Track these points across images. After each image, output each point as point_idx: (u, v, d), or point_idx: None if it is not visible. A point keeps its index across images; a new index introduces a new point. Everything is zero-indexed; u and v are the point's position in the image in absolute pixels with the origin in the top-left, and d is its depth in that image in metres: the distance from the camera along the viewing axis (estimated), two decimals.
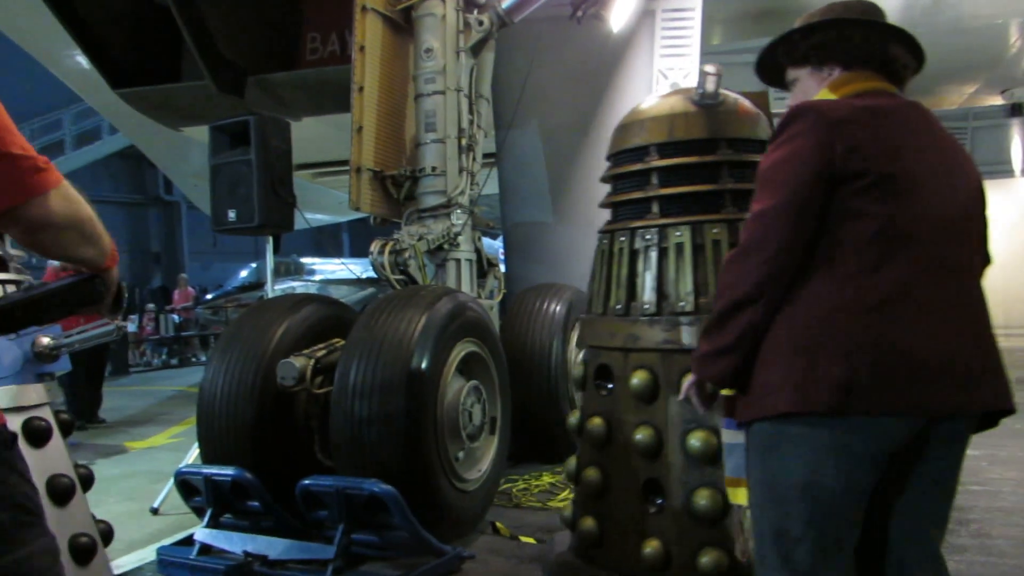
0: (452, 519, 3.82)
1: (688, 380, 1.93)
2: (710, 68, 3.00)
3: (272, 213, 4.99)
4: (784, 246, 1.68)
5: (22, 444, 1.82)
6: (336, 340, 4.15)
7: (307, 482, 3.58)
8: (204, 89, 6.34)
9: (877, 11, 1.89)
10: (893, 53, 1.85)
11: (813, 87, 1.90)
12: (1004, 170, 12.19)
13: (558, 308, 5.56)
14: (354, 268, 17.08)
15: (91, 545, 1.92)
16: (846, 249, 1.67)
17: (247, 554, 3.66)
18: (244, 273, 18.79)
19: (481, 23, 5.31)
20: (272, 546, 3.66)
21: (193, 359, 16.99)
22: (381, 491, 3.42)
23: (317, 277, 18.08)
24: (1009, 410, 1.76)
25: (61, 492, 1.90)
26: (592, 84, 6.93)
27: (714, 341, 1.77)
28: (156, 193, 26.48)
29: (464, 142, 5.25)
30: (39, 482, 1.78)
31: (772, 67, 2.02)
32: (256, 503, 3.77)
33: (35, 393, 1.96)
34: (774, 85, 2.06)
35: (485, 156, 5.74)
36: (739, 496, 1.97)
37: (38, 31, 7.76)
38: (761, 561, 1.78)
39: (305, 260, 19.06)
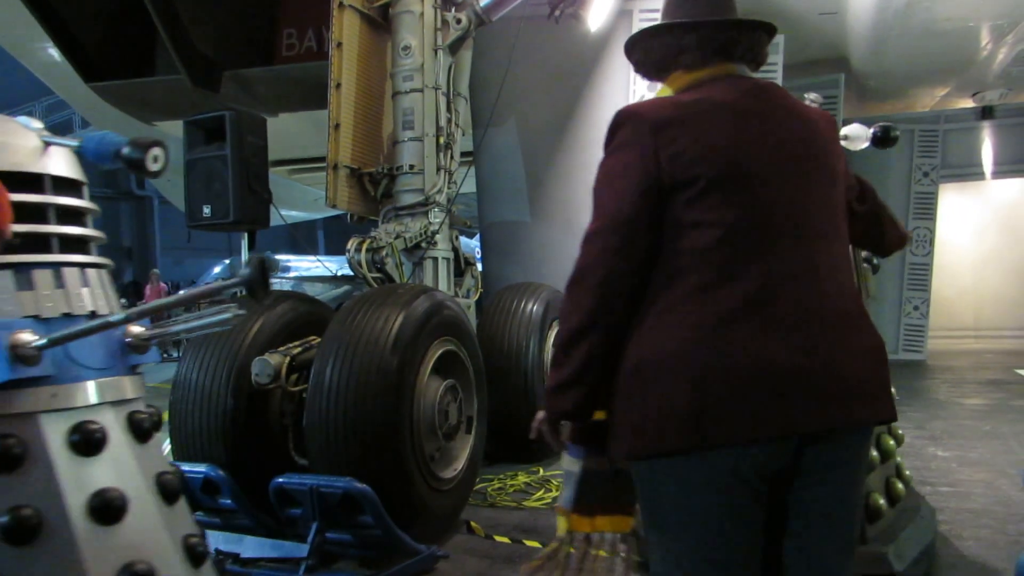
0: (427, 518, 3.82)
1: (539, 415, 1.75)
2: (812, 96, 2.92)
3: (247, 209, 4.95)
4: (613, 270, 1.55)
5: (127, 440, 1.77)
6: (312, 338, 4.12)
7: (280, 480, 3.56)
8: (178, 83, 6.29)
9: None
10: (717, 41, 1.67)
11: (654, 89, 1.79)
12: (975, 172, 12.36)
13: (535, 308, 5.57)
14: (329, 265, 16.98)
15: (204, 548, 1.81)
16: (686, 262, 1.53)
17: (219, 552, 3.63)
18: (217, 269, 18.64)
19: (459, 21, 5.31)
20: (244, 544, 3.64)
21: (165, 355, 16.81)
22: (355, 489, 3.40)
23: (292, 274, 17.97)
24: (886, 419, 1.62)
25: (171, 491, 1.78)
26: (569, 83, 6.96)
27: (558, 374, 1.64)
28: (128, 187, 26.20)
29: (442, 140, 5.24)
30: (146, 479, 1.72)
31: None
32: (228, 501, 3.74)
33: (133, 386, 1.83)
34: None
35: (463, 155, 5.73)
36: (560, 524, 1.84)
37: (9, 22, 7.64)
38: None
39: (281, 257, 18.94)
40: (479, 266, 6.25)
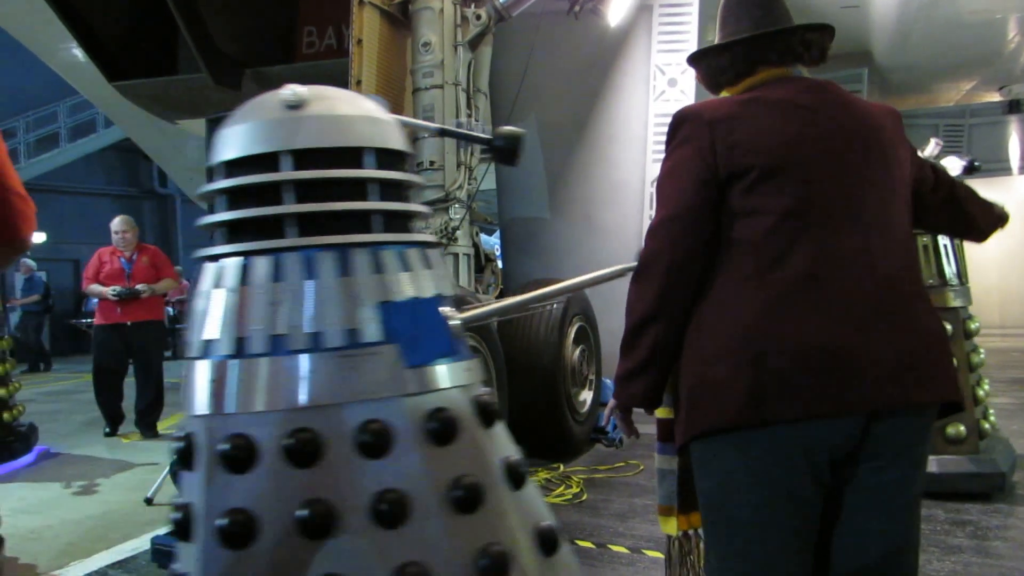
0: None
1: (610, 403, 1.80)
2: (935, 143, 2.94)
3: None
4: (675, 259, 1.61)
5: (477, 424, 1.75)
6: None
7: None
8: (200, 82, 6.33)
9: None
10: (769, 54, 1.73)
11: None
12: (1001, 168, 12.20)
13: (555, 304, 5.56)
14: None
15: (556, 533, 1.82)
16: (744, 249, 1.59)
17: None
18: None
19: (479, 17, 5.31)
20: None
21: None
22: None
23: None
24: (946, 400, 1.62)
25: (518, 477, 1.76)
26: (589, 79, 6.94)
27: (625, 361, 1.70)
28: (150, 186, 26.39)
29: None
30: (495, 465, 1.67)
31: None
32: None
33: (475, 370, 1.71)
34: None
35: (483, 151, 5.74)
36: (669, 526, 1.86)
37: (34, 24, 7.73)
38: None
39: None
40: (499, 262, 6.25)
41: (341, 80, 5.05)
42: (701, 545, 1.84)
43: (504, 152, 1.73)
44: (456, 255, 5.21)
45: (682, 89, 6.73)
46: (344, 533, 1.62)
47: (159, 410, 7.18)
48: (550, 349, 5.42)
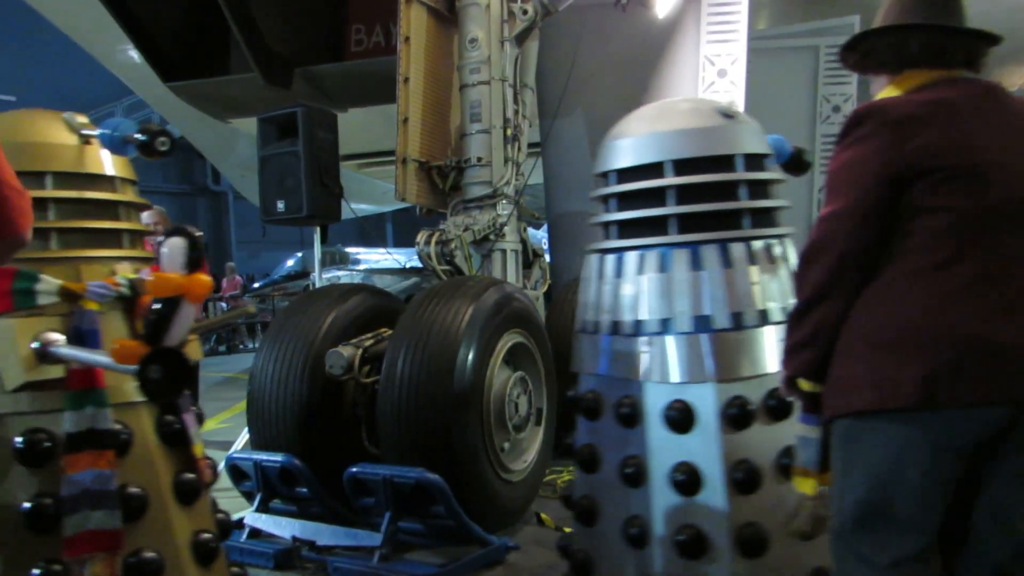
0: (497, 509, 3.84)
1: (781, 374, 1.99)
2: None
3: (320, 204, 5.04)
4: (848, 249, 1.74)
5: (715, 419, 2.31)
6: (383, 330, 4.18)
7: (355, 470, 3.62)
8: (252, 81, 6.42)
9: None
10: (952, 47, 1.83)
11: (878, 86, 1.93)
12: None
13: None
14: (398, 257, 17.19)
15: (762, 534, 2.42)
16: (920, 244, 1.70)
17: (295, 539, 3.73)
18: (290, 262, 19.03)
19: (525, 12, 5.29)
20: (320, 532, 3.72)
21: (241, 346, 17.28)
22: (427, 480, 3.45)
23: (362, 266, 18.23)
24: None
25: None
26: (637, 71, 6.86)
27: (793, 335, 1.87)
28: (204, 183, 26.93)
29: (509, 132, 5.24)
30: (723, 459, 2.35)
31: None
32: (304, 489, 3.83)
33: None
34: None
35: (530, 146, 5.72)
36: (804, 485, 2.02)
37: (92, 27, 7.92)
38: (840, 551, 1.82)
39: (350, 249, 19.24)
40: (547, 257, 6.23)
41: (389, 77, 5.09)
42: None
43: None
44: (504, 251, 5.21)
45: (732, 80, 6.63)
46: (762, 489, 2.25)
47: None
48: None
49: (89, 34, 8.41)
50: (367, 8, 6.70)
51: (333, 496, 3.84)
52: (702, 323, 2.35)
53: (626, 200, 2.55)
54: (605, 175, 2.68)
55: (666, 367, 2.36)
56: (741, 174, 2.49)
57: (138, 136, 2.14)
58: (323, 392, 4.00)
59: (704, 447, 2.30)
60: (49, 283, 2.02)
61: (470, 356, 3.70)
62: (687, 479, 2.30)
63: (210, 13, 6.57)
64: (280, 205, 5.08)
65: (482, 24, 5.15)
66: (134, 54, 7.47)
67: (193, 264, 1.90)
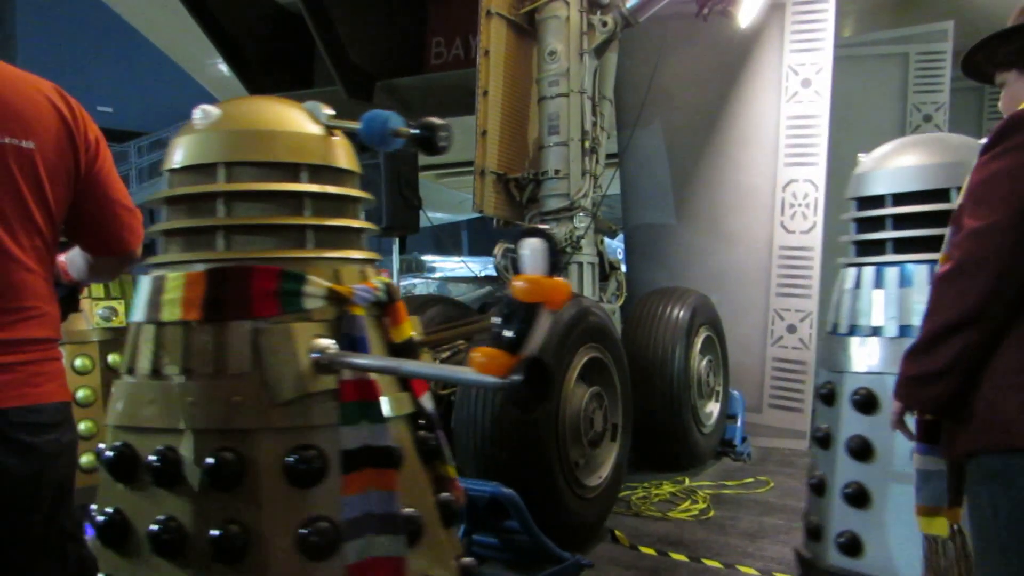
0: (571, 525, 3.81)
1: (895, 407, 1.83)
2: None
3: (399, 215, 5.11)
4: (1006, 267, 1.56)
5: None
6: (460, 342, 4.20)
7: None
8: (334, 95, 6.56)
9: None
10: None
11: (1022, 90, 1.78)
12: None
13: (681, 313, 5.45)
14: (473, 266, 17.31)
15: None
16: None
17: None
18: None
19: (605, 24, 5.27)
20: None
21: None
22: (502, 494, 3.43)
23: (437, 274, 18.44)
24: None
25: None
26: (718, 82, 6.76)
27: (923, 364, 1.66)
28: None
29: (587, 144, 5.21)
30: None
31: (977, 67, 1.92)
32: None
33: None
34: (983, 82, 1.97)
35: (608, 157, 5.69)
36: (935, 526, 1.88)
37: (184, 42, 8.24)
38: None
39: (426, 258, 19.46)
40: (623, 268, 6.18)
41: (468, 90, 5.12)
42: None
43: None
44: (580, 264, 5.18)
45: (817, 90, 6.46)
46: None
47: None
48: (676, 359, 5.32)
49: (182, 49, 8.75)
50: (447, 22, 6.78)
51: None
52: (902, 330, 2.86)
53: (902, 222, 2.94)
54: (876, 198, 3.01)
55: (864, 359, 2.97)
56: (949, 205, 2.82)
57: (414, 131, 1.95)
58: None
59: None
60: (318, 285, 1.82)
61: None
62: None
63: (295, 29, 6.76)
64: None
65: (561, 37, 5.14)
66: (223, 68, 7.73)
67: (554, 267, 1.64)
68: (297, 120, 1.91)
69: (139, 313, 1.89)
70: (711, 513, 4.43)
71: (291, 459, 1.73)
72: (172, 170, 1.94)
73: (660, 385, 5.26)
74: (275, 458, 1.74)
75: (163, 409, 1.80)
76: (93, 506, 1.89)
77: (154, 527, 1.72)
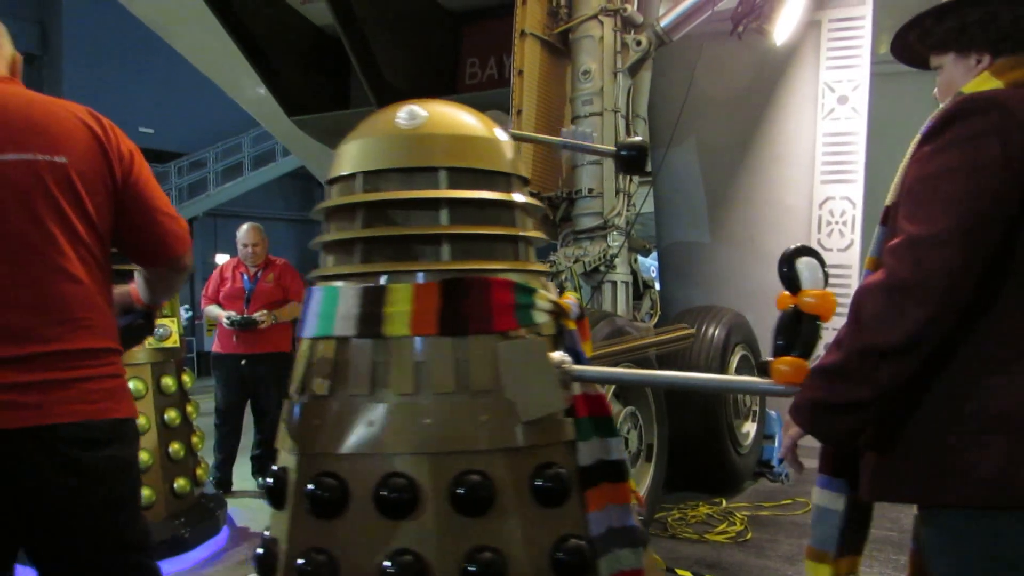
0: None
1: (790, 433, 1.55)
2: None
3: None
4: (955, 283, 1.29)
5: None
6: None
7: None
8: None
9: None
10: None
11: (959, 75, 1.53)
12: None
13: (716, 332, 5.39)
14: None
15: None
16: None
17: None
18: None
19: (639, 43, 5.27)
20: None
21: None
22: None
23: None
24: None
25: None
26: (753, 100, 6.73)
27: (837, 390, 1.39)
28: None
29: None
30: None
31: (910, 49, 1.66)
32: None
33: None
34: (916, 66, 1.70)
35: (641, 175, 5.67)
36: (819, 573, 1.63)
37: (224, 65, 8.42)
38: None
39: None
40: (657, 286, 6.15)
41: (502, 109, 5.15)
42: None
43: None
44: (614, 283, 5.16)
45: (853, 107, 6.40)
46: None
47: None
48: None
49: (222, 72, 8.93)
50: (481, 42, 6.85)
51: None
52: None
53: None
54: None
55: None
56: None
57: (623, 152, 1.96)
58: None
59: None
60: (546, 298, 1.74)
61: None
62: None
63: (332, 51, 6.87)
64: None
65: (595, 56, 5.16)
66: (262, 90, 7.88)
67: (826, 282, 1.67)
68: (498, 129, 1.83)
69: (339, 327, 1.67)
70: (749, 535, 4.37)
71: (539, 480, 1.65)
72: (367, 173, 1.75)
73: (696, 405, 5.20)
74: (522, 479, 1.64)
75: (386, 432, 1.63)
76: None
77: (387, 563, 1.54)
